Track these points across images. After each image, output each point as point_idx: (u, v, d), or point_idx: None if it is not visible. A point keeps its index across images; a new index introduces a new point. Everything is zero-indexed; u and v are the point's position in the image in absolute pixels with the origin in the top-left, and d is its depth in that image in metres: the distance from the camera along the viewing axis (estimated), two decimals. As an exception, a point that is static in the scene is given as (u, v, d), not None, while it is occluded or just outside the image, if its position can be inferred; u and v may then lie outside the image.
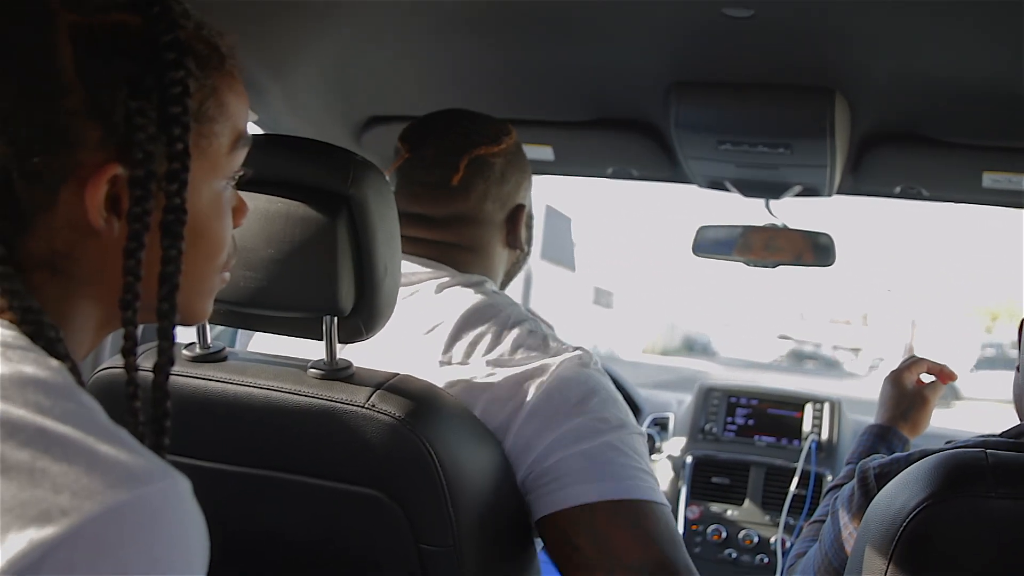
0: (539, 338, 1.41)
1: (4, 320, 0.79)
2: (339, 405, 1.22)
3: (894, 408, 1.88)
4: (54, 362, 0.77)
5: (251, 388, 1.26)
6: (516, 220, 1.63)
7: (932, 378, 1.92)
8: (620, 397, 1.41)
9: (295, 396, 1.23)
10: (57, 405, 0.71)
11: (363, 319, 1.28)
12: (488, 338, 1.39)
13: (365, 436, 1.21)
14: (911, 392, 1.89)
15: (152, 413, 0.89)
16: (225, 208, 0.96)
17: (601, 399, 1.36)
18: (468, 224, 1.57)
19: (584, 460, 1.31)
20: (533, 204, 1.71)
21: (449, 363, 1.38)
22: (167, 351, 0.90)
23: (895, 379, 1.91)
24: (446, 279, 1.49)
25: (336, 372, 1.27)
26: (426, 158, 1.57)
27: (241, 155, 0.96)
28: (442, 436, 1.22)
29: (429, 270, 1.50)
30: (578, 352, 1.40)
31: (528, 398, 1.33)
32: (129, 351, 0.87)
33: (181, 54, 0.86)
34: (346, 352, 1.35)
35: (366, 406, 1.22)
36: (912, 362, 1.94)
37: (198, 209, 0.90)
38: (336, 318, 1.27)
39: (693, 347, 57.05)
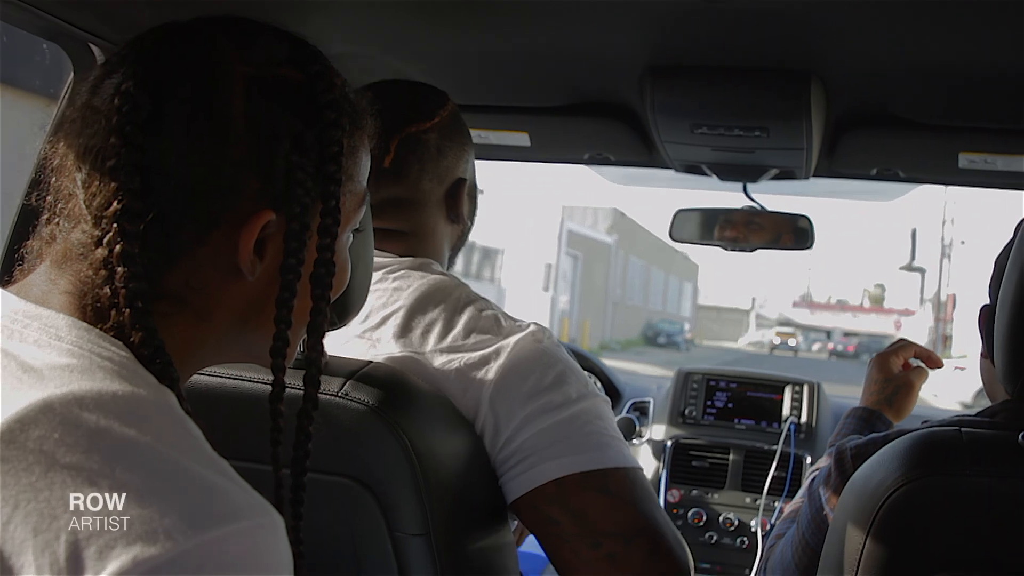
0: (491, 319, 1.39)
1: (118, 342, 0.82)
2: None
3: (879, 392, 1.88)
4: (165, 388, 0.80)
5: (224, 379, 1.26)
6: (457, 195, 1.57)
7: (919, 363, 1.93)
8: (577, 367, 1.40)
9: (268, 386, 1.23)
10: (169, 430, 0.74)
11: (335, 308, 1.27)
12: (440, 324, 1.37)
13: (339, 424, 1.21)
14: (897, 376, 1.89)
15: (295, 455, 0.99)
16: (348, 257, 1.01)
17: (558, 373, 1.35)
18: (406, 207, 1.52)
19: (549, 436, 1.31)
20: (475, 174, 1.66)
21: (405, 353, 1.36)
22: (314, 397, 0.98)
23: (881, 362, 1.91)
24: (391, 265, 1.46)
25: None
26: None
27: (363, 210, 1.01)
28: (415, 423, 1.22)
29: None
30: (531, 328, 1.38)
31: (488, 382, 1.32)
32: (278, 397, 0.93)
33: (340, 114, 0.91)
34: None
35: (339, 394, 1.22)
36: (899, 346, 1.94)
37: (336, 261, 0.94)
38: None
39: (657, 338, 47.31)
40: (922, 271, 52.60)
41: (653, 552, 1.30)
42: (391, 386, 1.25)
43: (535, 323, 1.40)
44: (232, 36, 0.89)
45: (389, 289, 1.42)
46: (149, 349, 0.82)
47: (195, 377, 1.28)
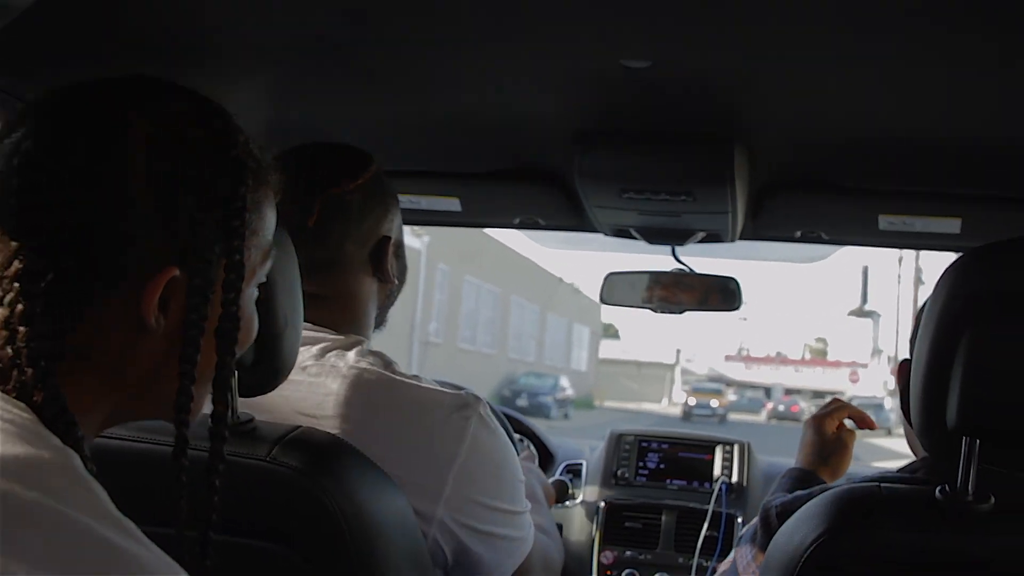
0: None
1: (21, 404, 0.80)
2: (240, 459, 1.21)
3: (814, 453, 1.91)
4: (69, 449, 0.78)
5: (149, 444, 1.24)
6: (382, 254, 1.57)
7: (852, 424, 1.96)
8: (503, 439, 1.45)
9: (195, 451, 1.22)
10: (73, 491, 0.72)
11: (265, 372, 1.27)
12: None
13: (266, 489, 1.20)
14: (831, 438, 1.92)
15: (204, 510, 0.97)
16: (254, 311, 1.00)
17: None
18: (329, 270, 1.52)
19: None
20: (402, 231, 1.65)
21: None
22: (219, 452, 0.97)
23: (816, 424, 1.94)
24: (326, 343, 1.46)
25: (237, 426, 1.26)
26: (279, 204, 1.47)
27: (269, 265, 1.01)
28: (344, 488, 1.21)
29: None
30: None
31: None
32: (182, 452, 0.92)
33: (243, 169, 0.91)
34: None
35: (267, 459, 1.21)
36: (834, 408, 1.97)
37: (241, 316, 0.94)
38: (237, 371, 1.25)
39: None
40: (875, 316, 46.93)
41: None
42: (320, 450, 1.24)
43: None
44: (133, 94, 0.89)
45: (311, 383, 1.42)
46: (52, 409, 0.81)
47: (100, 440, 1.27)
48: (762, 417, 49.24)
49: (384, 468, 1.32)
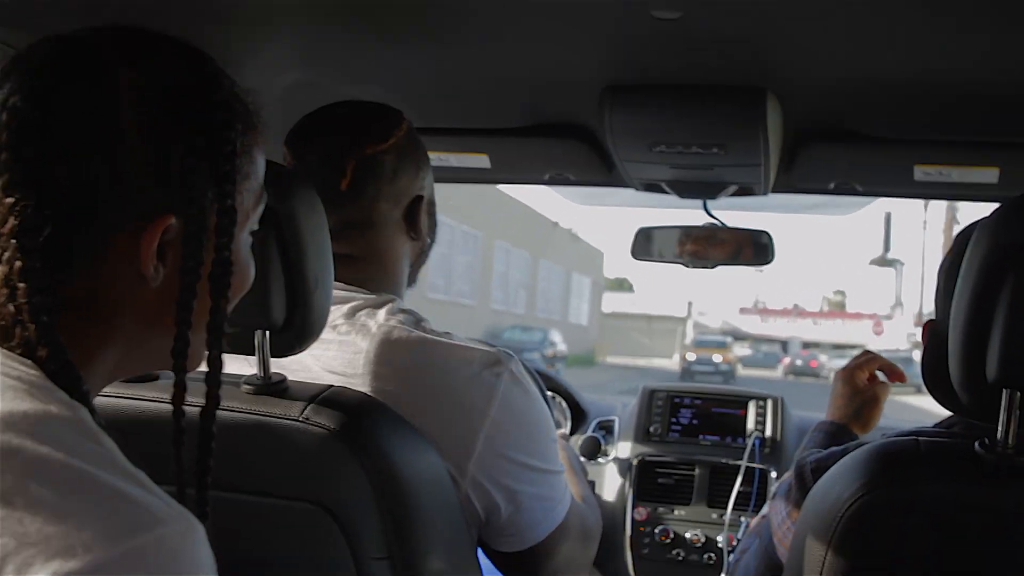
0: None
1: (27, 361, 0.81)
2: (273, 420, 1.22)
3: (845, 406, 1.90)
4: (76, 403, 0.80)
5: (150, 402, 1.25)
6: (416, 214, 1.57)
7: (884, 376, 1.94)
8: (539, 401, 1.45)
9: (228, 412, 1.22)
10: (82, 444, 0.74)
11: (295, 333, 1.27)
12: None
13: (300, 450, 1.21)
14: (863, 390, 1.91)
15: (199, 455, 0.96)
16: (249, 257, 1.00)
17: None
18: (363, 231, 1.51)
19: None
20: (434, 189, 1.65)
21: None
22: (215, 395, 0.96)
23: (847, 376, 1.92)
24: (357, 301, 1.45)
25: (269, 386, 1.26)
26: (311, 164, 1.49)
27: (261, 209, 1.01)
28: (377, 446, 1.22)
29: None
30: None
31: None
32: (180, 398, 0.92)
33: (231, 115, 0.91)
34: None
35: (300, 419, 1.21)
36: (865, 359, 1.95)
37: (235, 261, 0.94)
38: (268, 332, 1.25)
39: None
40: (898, 264, 43.89)
41: None
42: (352, 409, 1.24)
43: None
44: (118, 43, 0.89)
45: (341, 342, 1.42)
46: (57, 364, 0.81)
47: (111, 401, 1.27)
48: (778, 372, 45.74)
49: (415, 426, 1.32)
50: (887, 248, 39.33)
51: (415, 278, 1.66)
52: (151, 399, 1.27)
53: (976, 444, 1.14)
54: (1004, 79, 1.70)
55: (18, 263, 0.81)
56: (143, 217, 0.86)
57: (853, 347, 52.04)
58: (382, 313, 1.43)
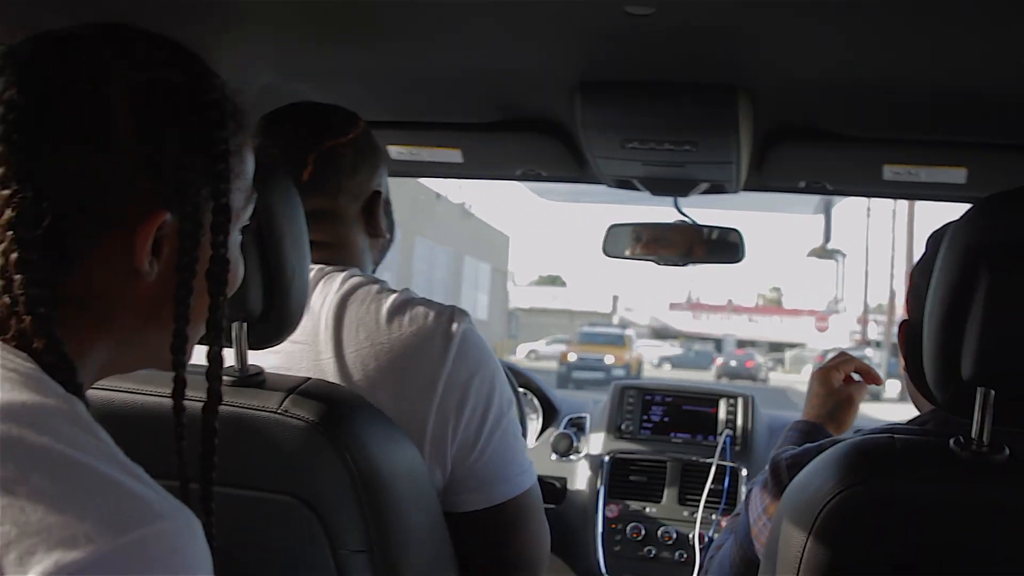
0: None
1: (22, 353, 0.82)
2: (251, 411, 1.21)
3: (820, 406, 1.92)
4: (71, 396, 0.80)
5: (160, 397, 1.24)
6: (373, 209, 1.61)
7: (859, 377, 1.96)
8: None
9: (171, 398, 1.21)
10: (81, 437, 0.74)
11: (273, 324, 1.26)
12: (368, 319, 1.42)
13: (278, 442, 1.21)
14: (838, 390, 1.92)
15: (202, 451, 0.99)
16: (239, 254, 1.02)
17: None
18: (328, 219, 1.54)
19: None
20: (389, 189, 1.69)
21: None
22: (217, 391, 0.98)
23: (823, 377, 1.94)
24: (313, 270, 1.47)
25: (247, 378, 1.26)
26: (273, 157, 1.51)
27: (251, 207, 1.03)
28: (356, 439, 1.22)
29: None
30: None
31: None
32: (180, 394, 0.94)
33: (224, 114, 0.92)
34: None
35: (279, 411, 1.21)
36: (841, 360, 1.97)
37: (229, 258, 0.95)
38: (245, 323, 1.25)
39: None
40: (839, 255, 40.52)
41: None
42: (331, 401, 1.24)
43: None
44: (112, 40, 0.90)
45: (313, 295, 1.45)
46: (53, 357, 0.82)
47: (93, 392, 1.26)
48: (710, 374, 40.45)
49: (375, 387, 1.35)
50: (827, 238, 34.63)
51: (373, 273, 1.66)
52: (146, 392, 1.26)
53: (951, 441, 1.14)
54: (973, 80, 1.72)
55: (15, 255, 0.81)
56: (138, 212, 0.86)
57: (792, 346, 50.27)
58: (340, 276, 1.47)
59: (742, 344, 54.15)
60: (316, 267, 1.47)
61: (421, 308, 1.43)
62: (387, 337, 1.39)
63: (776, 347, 54.79)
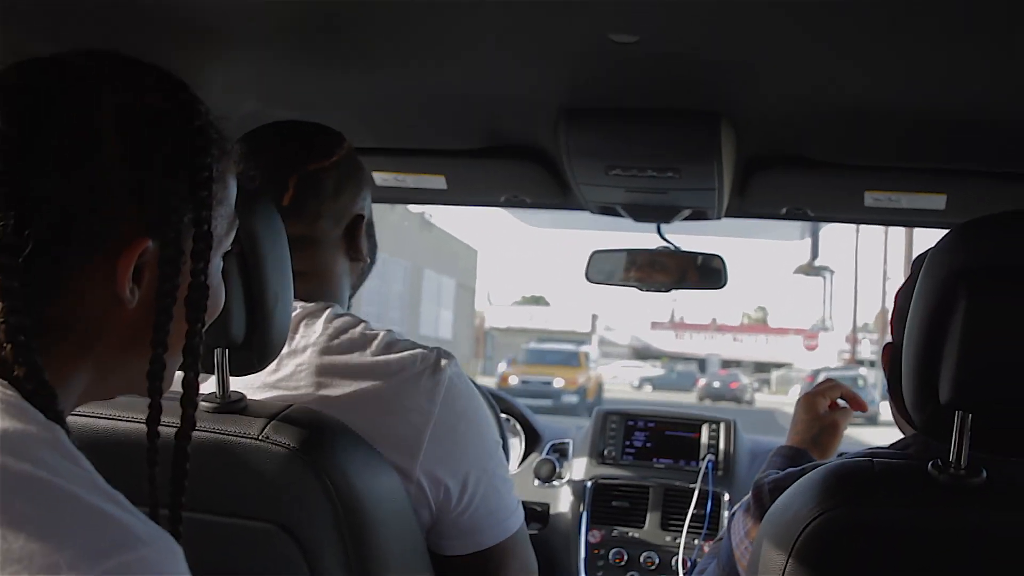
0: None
1: (2, 380, 0.81)
2: (232, 438, 1.21)
3: (805, 431, 1.92)
4: (52, 423, 0.79)
5: (140, 424, 1.23)
6: (355, 233, 1.58)
7: (845, 404, 1.97)
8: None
9: (166, 428, 1.21)
10: (62, 464, 0.74)
11: (255, 350, 1.26)
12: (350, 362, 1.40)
13: (260, 468, 1.20)
14: (823, 416, 1.93)
15: (173, 476, 0.96)
16: (221, 281, 1.01)
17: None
18: (305, 247, 1.50)
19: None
20: (373, 211, 1.66)
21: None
22: (191, 417, 0.97)
23: (808, 402, 1.95)
24: (296, 310, 1.45)
25: (229, 404, 1.25)
26: (254, 179, 1.49)
27: (233, 234, 1.02)
28: (338, 466, 1.21)
29: None
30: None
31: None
32: (155, 420, 0.93)
33: (207, 140, 0.92)
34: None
35: (260, 438, 1.21)
36: (827, 386, 1.98)
37: (209, 284, 0.95)
38: (227, 350, 1.25)
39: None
40: (827, 272, 40.28)
41: None
42: (312, 428, 1.24)
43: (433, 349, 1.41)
44: (98, 66, 0.90)
45: (296, 337, 1.42)
46: (33, 384, 0.81)
47: (72, 419, 1.26)
48: (692, 396, 38.28)
49: (362, 432, 1.33)
50: (815, 255, 34.16)
51: (352, 296, 1.66)
52: (127, 419, 1.25)
53: (929, 465, 1.15)
54: (953, 108, 1.73)
55: None
56: (121, 239, 0.86)
57: (779, 366, 49.32)
58: (320, 322, 1.44)
59: (727, 364, 53.39)
60: (296, 306, 1.44)
61: (407, 355, 1.41)
62: (371, 385, 1.37)
63: (762, 367, 53.98)
